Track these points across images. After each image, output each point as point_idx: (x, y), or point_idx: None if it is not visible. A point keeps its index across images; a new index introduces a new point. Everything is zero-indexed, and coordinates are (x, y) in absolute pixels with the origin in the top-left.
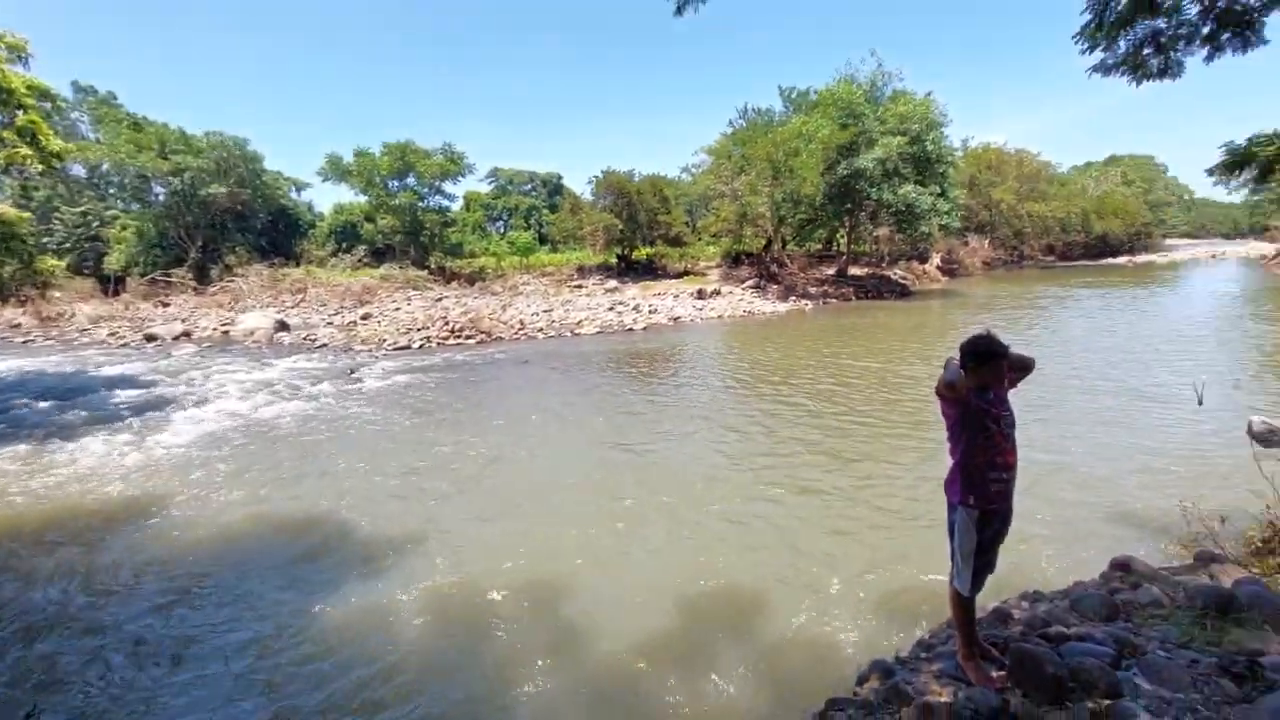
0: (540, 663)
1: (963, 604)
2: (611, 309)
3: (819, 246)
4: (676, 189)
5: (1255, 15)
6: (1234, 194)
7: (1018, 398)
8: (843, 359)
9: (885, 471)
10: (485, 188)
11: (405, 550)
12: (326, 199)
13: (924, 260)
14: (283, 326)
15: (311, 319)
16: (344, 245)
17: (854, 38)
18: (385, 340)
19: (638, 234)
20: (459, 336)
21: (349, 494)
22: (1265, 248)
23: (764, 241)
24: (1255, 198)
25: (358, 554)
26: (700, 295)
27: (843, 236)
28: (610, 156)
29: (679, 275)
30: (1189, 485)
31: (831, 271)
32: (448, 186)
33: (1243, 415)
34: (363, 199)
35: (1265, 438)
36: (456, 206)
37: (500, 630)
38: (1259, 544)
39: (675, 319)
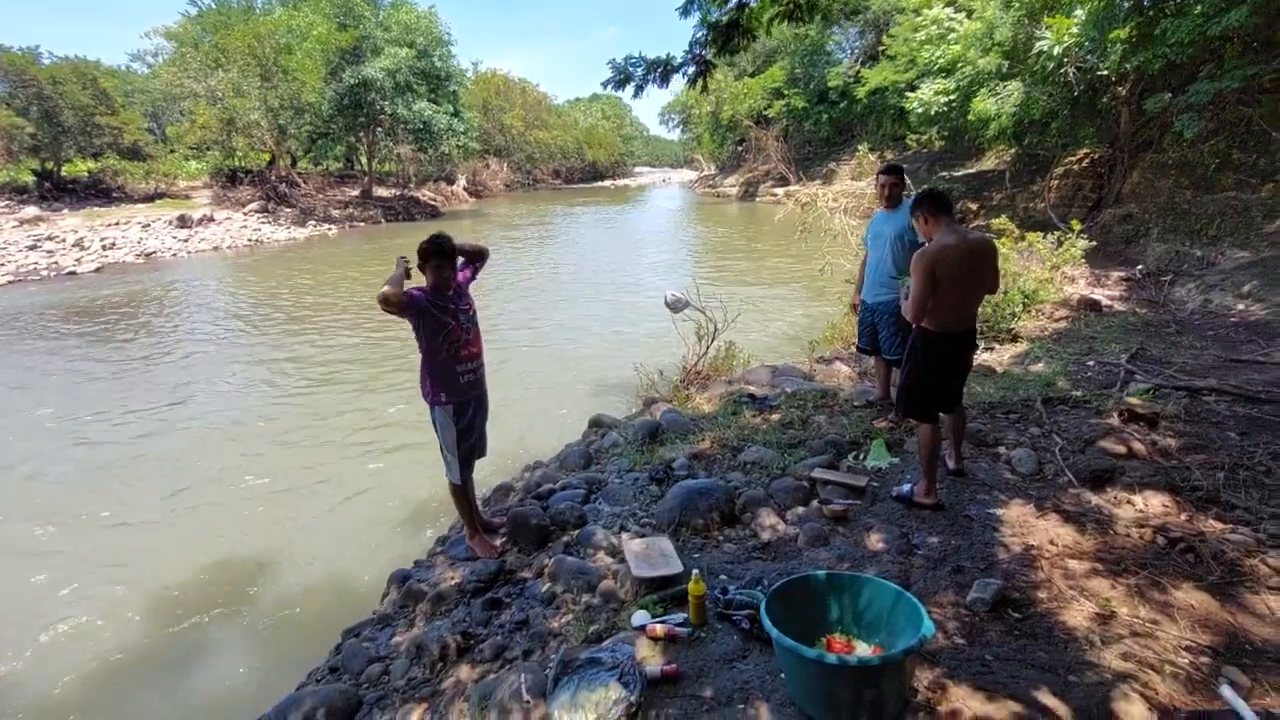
0: None
1: (459, 492)
2: (35, 247)
3: (339, 165)
4: (125, 81)
5: None
6: (672, 133)
7: (538, 295)
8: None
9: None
10: None
11: None
12: None
13: (451, 182)
14: None
15: None
16: None
17: None
18: None
19: (66, 141)
20: None
21: None
22: (692, 175)
23: (268, 157)
24: (684, 136)
25: None
26: (184, 223)
27: (363, 155)
28: None
29: (149, 199)
30: (645, 350)
31: (355, 193)
32: None
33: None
34: None
35: (674, 305)
36: None
37: None
38: (678, 384)
39: (148, 255)
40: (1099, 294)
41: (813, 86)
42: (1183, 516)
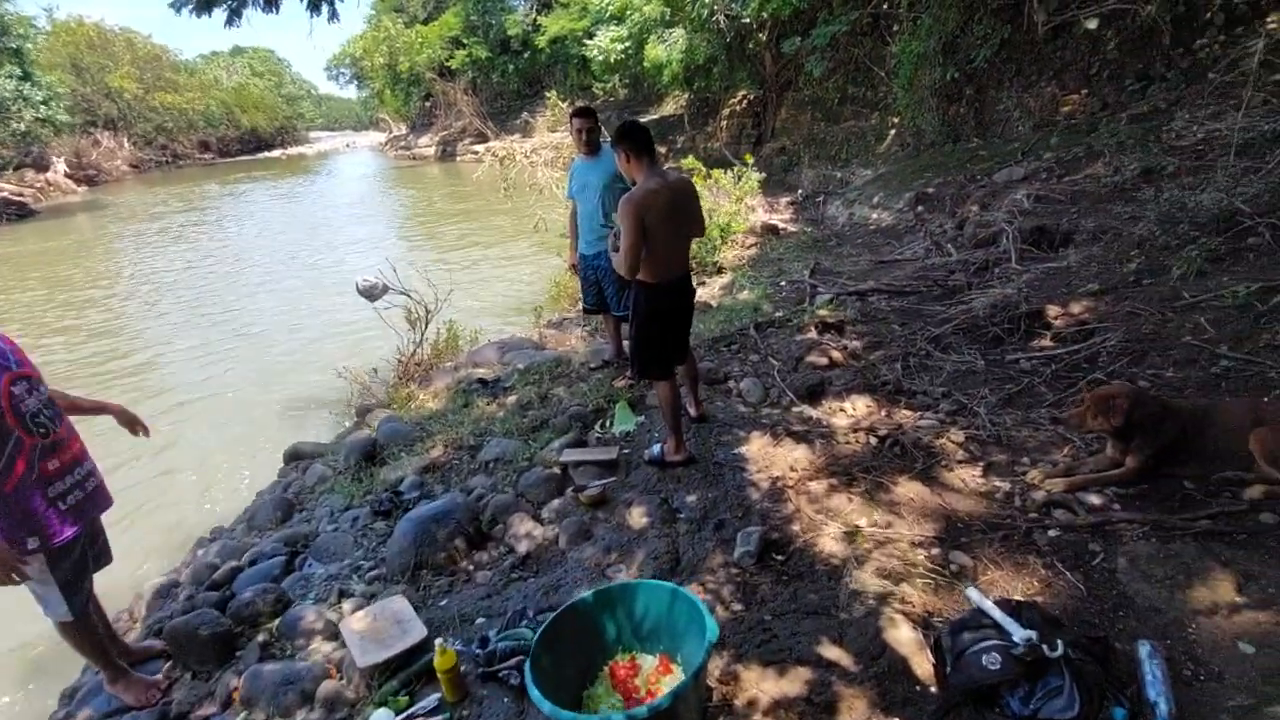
0: None
1: (76, 629)
2: None
3: None
4: None
5: None
6: (346, 90)
7: (201, 302)
8: None
9: None
10: None
11: None
12: None
13: (44, 168)
14: None
15: None
16: None
17: None
18: None
19: None
20: None
21: None
22: (381, 136)
23: None
24: (363, 93)
25: None
26: None
27: None
28: None
29: None
30: (353, 347)
31: None
32: None
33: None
34: None
35: (370, 293)
36: None
37: None
38: (396, 382)
39: None
40: (775, 219)
41: (493, 35)
42: (883, 413)
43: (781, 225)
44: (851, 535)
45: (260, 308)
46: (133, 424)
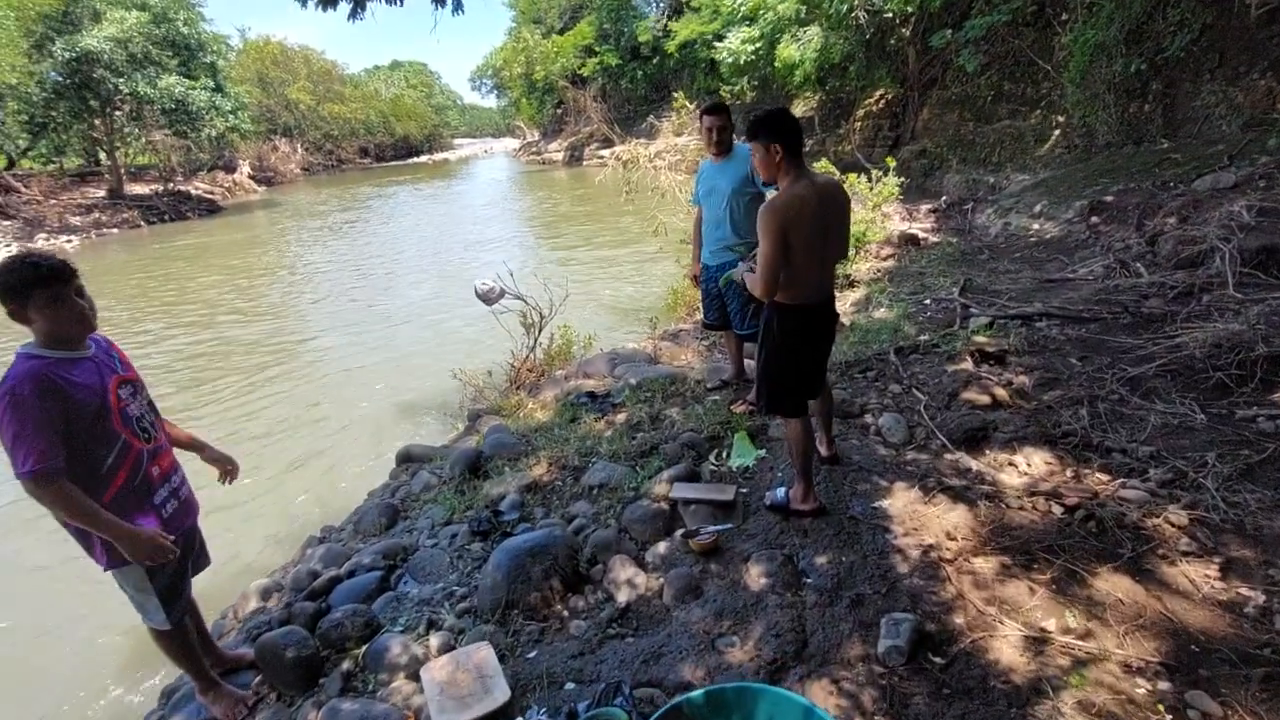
0: None
1: (171, 637)
2: None
3: (80, 162)
4: None
5: None
6: (487, 99)
7: (340, 293)
8: (173, 306)
9: None
10: None
11: None
12: None
13: (232, 170)
14: None
15: None
16: None
17: None
18: None
19: None
20: None
21: None
22: (515, 143)
23: None
24: (501, 102)
25: None
26: None
27: (106, 146)
28: None
29: None
30: (475, 349)
31: (102, 193)
32: None
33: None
34: None
35: (487, 296)
36: None
37: None
38: (508, 387)
39: None
40: (915, 228)
41: (624, 42)
42: (1068, 473)
43: (922, 235)
44: (1039, 643)
45: (400, 301)
46: (222, 464)
